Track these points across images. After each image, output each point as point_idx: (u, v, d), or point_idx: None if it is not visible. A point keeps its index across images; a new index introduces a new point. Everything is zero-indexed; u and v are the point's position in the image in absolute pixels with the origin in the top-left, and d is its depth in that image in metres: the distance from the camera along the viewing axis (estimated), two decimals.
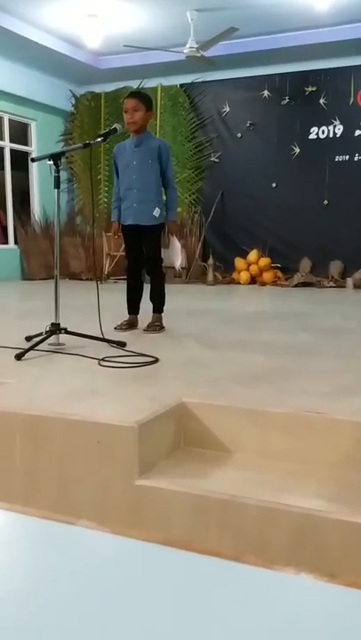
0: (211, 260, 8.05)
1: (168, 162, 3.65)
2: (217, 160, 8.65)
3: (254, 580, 0.58)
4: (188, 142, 8.80)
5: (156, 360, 2.74)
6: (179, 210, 8.59)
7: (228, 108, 8.52)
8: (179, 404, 2.00)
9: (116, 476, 1.75)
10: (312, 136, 8.09)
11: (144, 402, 2.00)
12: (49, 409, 1.91)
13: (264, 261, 8.05)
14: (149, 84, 8.78)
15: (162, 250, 3.63)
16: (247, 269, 8.17)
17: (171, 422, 1.95)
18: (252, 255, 8.16)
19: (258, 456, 1.89)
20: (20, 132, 8.86)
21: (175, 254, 3.62)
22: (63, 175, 8.90)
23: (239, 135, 8.47)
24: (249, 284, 8.08)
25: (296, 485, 1.67)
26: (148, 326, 3.70)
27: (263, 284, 7.97)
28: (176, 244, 3.62)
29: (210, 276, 7.98)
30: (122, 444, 1.74)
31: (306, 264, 8.07)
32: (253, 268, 8.11)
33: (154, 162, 3.60)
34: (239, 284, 8.12)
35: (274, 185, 8.28)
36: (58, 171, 3.02)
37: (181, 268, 3.82)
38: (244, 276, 8.11)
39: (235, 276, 8.27)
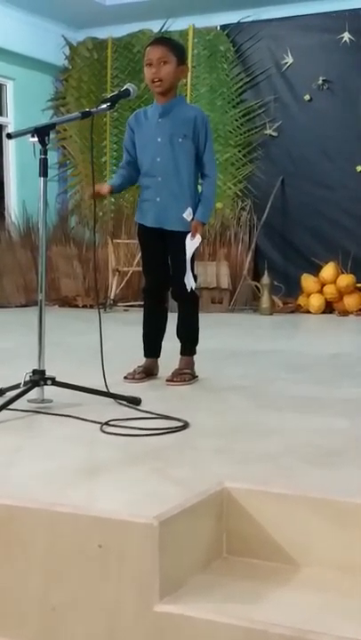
0: (266, 279, 8.07)
1: (207, 140, 3.70)
2: (275, 134, 8.75)
3: None
4: (233, 109, 8.94)
5: (186, 425, 2.74)
6: (218, 205, 8.67)
7: (291, 59, 8.65)
8: (219, 490, 1.99)
9: (127, 598, 1.73)
10: None
11: (167, 487, 1.99)
12: (28, 496, 1.92)
13: (346, 280, 8.03)
14: (177, 25, 8.99)
15: None
16: (320, 292, 8.16)
17: (208, 518, 1.94)
18: (328, 271, 8.15)
19: (338, 570, 1.86)
20: None
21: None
22: (52, 157, 9.09)
23: (308, 97, 8.57)
24: (323, 312, 8.05)
25: None
26: (175, 375, 3.71)
27: (345, 312, 7.93)
28: (188, 265, 3.65)
29: (265, 302, 7.99)
30: (135, 549, 1.73)
31: None
32: (330, 290, 8.09)
33: (186, 140, 3.66)
34: (309, 312, 8.11)
35: (360, 169, 8.31)
36: (45, 151, 3.08)
37: (195, 288, 3.79)
38: (315, 301, 8.09)
39: (302, 301, 8.26)
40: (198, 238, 3.64)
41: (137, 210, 3.86)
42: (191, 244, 3.63)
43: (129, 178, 3.80)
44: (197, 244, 3.65)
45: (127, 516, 1.77)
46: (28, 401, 3.04)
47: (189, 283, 3.67)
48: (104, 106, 3.36)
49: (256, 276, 8.52)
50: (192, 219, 3.66)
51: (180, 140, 3.65)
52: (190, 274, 3.66)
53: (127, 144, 3.80)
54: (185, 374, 3.71)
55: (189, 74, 8.93)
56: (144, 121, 3.74)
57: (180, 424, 2.74)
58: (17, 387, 3.03)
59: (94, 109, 3.33)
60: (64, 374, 3.16)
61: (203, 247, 8.50)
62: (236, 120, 8.92)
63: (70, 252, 9.18)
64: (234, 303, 8.34)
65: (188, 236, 3.63)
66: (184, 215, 3.66)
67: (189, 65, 8.90)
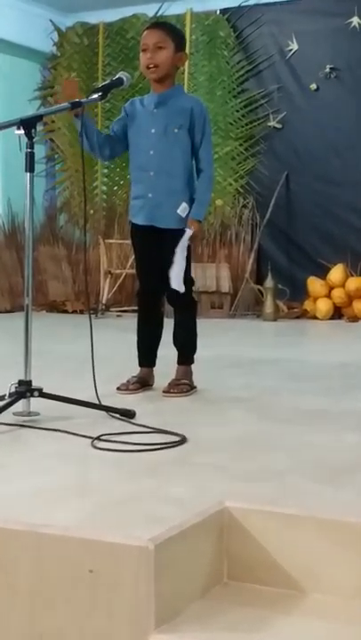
0: (270, 282, 8.07)
1: (205, 133, 3.71)
2: (279, 126, 8.75)
3: None
4: (234, 99, 8.94)
5: (183, 440, 2.73)
6: (218, 203, 8.68)
7: (296, 46, 8.66)
8: (220, 510, 1.98)
9: (120, 627, 1.73)
10: None
11: (163, 507, 1.99)
12: (13, 517, 1.91)
13: (355, 283, 8.03)
14: (173, 9, 8.99)
15: None
16: (328, 296, 8.16)
17: (207, 541, 1.93)
18: (337, 273, 8.15)
19: (348, 597, 1.85)
20: None
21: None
22: (40, 151, 9.07)
23: (314, 87, 8.58)
24: (331, 318, 8.05)
25: None
26: (171, 386, 3.70)
27: (354, 318, 7.93)
28: (178, 260, 3.64)
29: (269, 307, 7.99)
30: (128, 574, 1.73)
31: None
32: (338, 294, 8.10)
33: (182, 131, 3.67)
34: (316, 318, 8.10)
35: None
36: (32, 145, 3.08)
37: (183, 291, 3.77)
38: (323, 305, 8.09)
39: (308, 306, 8.26)
40: (188, 233, 3.62)
41: (129, 208, 3.87)
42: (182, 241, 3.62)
43: (102, 138, 3.72)
44: (186, 241, 3.62)
45: (120, 538, 1.76)
46: (14, 414, 3.03)
47: (178, 283, 3.63)
48: (95, 96, 3.37)
49: (259, 279, 8.51)
50: (187, 215, 3.67)
51: (176, 130, 3.66)
52: (180, 274, 3.62)
53: (115, 123, 3.81)
54: (182, 385, 3.71)
55: (187, 61, 8.96)
56: (139, 109, 3.75)
57: (177, 439, 2.73)
58: (1, 399, 3.02)
59: (85, 99, 3.34)
60: (52, 385, 3.16)
61: (201, 248, 8.50)
62: (238, 111, 8.92)
63: (59, 253, 9.17)
64: (235, 308, 8.33)
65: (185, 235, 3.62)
66: (178, 211, 3.66)
67: (187, 52, 8.93)
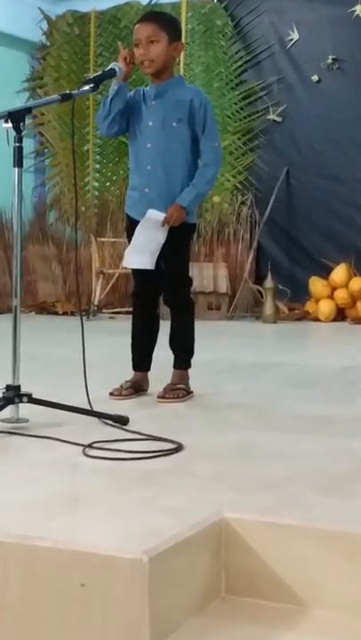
0: (270, 282, 8.08)
1: (206, 124, 3.70)
2: (279, 119, 8.77)
3: None
4: (232, 91, 8.96)
5: (179, 448, 2.73)
6: (216, 200, 8.68)
7: (297, 35, 8.68)
8: (217, 521, 1.98)
9: None
10: None
11: (158, 518, 1.99)
12: (1, 530, 1.91)
13: (359, 283, 8.05)
14: None
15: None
16: (331, 297, 8.17)
17: (204, 553, 1.93)
18: (339, 273, 8.17)
19: (352, 612, 1.85)
20: None
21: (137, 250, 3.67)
22: (28, 146, 9.09)
23: (316, 78, 8.60)
24: (334, 320, 8.06)
25: None
26: (167, 391, 3.70)
27: (358, 320, 7.94)
28: (143, 237, 3.65)
29: (269, 308, 8.00)
30: (122, 588, 1.72)
31: None
32: (341, 295, 8.11)
33: (182, 125, 3.67)
34: (318, 320, 8.11)
35: None
36: (20, 138, 3.09)
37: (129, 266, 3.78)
38: (325, 307, 8.10)
39: (310, 307, 8.27)
40: (158, 216, 3.60)
41: (126, 198, 3.87)
42: (152, 220, 3.61)
43: (118, 114, 3.69)
44: (156, 220, 3.61)
45: (113, 550, 1.76)
46: (1, 421, 3.03)
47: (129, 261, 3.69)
48: (87, 87, 3.37)
49: (258, 279, 8.52)
50: (187, 212, 3.67)
51: (175, 124, 3.66)
52: (136, 251, 3.64)
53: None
54: (178, 390, 3.70)
55: (183, 51, 8.97)
56: (140, 101, 3.75)
57: (172, 446, 2.73)
58: None
59: (76, 91, 3.35)
60: (42, 390, 3.16)
61: (199, 247, 8.51)
62: (236, 104, 8.94)
63: (49, 252, 9.17)
64: (233, 309, 8.34)
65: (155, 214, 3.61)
66: None
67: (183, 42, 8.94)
